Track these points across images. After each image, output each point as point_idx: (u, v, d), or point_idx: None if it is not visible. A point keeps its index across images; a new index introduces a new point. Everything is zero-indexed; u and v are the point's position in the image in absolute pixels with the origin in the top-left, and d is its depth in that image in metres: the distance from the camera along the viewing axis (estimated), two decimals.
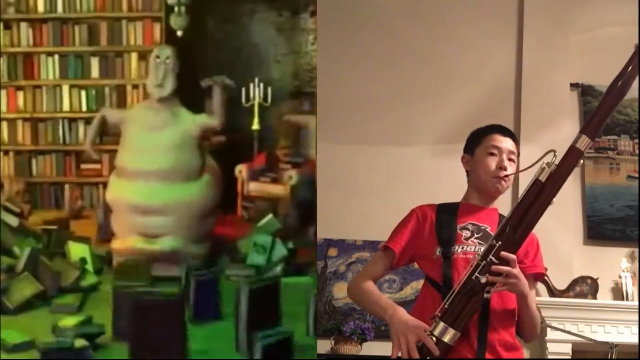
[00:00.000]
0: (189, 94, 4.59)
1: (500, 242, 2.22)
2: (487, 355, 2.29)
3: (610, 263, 5.16)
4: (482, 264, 2.22)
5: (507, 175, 2.46)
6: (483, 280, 2.20)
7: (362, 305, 2.58)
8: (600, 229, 5.32)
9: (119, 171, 4.43)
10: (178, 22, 4.80)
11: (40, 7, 5.81)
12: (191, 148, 4.40)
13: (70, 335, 3.33)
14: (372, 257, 2.62)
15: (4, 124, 5.82)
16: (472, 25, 5.65)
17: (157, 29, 5.83)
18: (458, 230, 2.43)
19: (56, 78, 5.88)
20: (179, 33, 4.86)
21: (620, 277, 5.11)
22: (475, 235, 2.42)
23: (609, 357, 4.30)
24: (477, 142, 2.54)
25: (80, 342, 3.26)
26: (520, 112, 5.45)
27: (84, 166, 5.84)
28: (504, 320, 2.35)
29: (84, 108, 5.87)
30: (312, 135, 5.39)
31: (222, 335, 3.51)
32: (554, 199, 2.24)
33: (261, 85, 5.64)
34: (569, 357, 4.90)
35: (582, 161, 2.26)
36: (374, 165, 5.43)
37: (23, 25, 5.83)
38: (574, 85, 5.58)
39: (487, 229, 2.43)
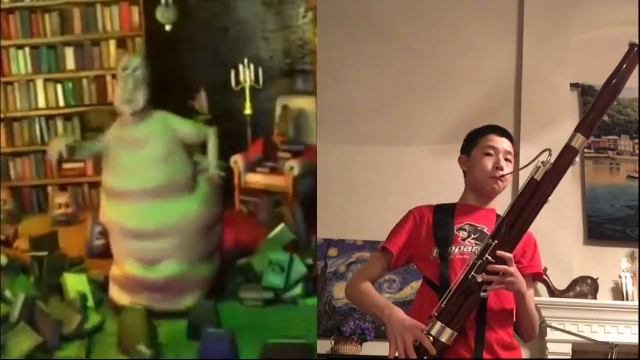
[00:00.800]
0: (175, 86, 4.33)
1: (496, 241, 2.22)
2: (485, 355, 2.28)
3: (610, 263, 5.16)
4: (479, 263, 2.21)
5: (503, 175, 2.46)
6: (479, 279, 2.20)
7: (359, 306, 2.58)
8: (600, 229, 5.32)
9: (108, 192, 3.97)
10: (166, 16, 4.45)
11: None
12: (180, 157, 3.95)
13: None
14: (369, 258, 2.62)
15: None
16: (472, 25, 5.66)
17: (135, 12, 5.29)
18: (455, 231, 2.43)
19: (28, 72, 5.32)
20: (168, 27, 4.49)
21: (620, 277, 5.11)
22: (472, 236, 2.43)
23: (609, 357, 4.29)
24: (473, 142, 2.55)
25: None
26: (520, 112, 5.45)
27: (66, 166, 5.32)
28: (501, 320, 2.35)
29: (61, 103, 5.33)
30: (311, 118, 5.00)
31: None
32: (549, 198, 2.24)
33: (251, 66, 5.14)
34: (569, 357, 4.90)
35: (577, 159, 2.26)
36: (374, 165, 5.43)
37: None
38: (574, 85, 5.58)
39: (484, 230, 2.43)
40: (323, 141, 5.16)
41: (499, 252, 2.21)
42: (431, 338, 2.20)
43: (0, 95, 5.29)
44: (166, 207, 3.84)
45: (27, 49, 5.33)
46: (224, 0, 5.36)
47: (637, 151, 5.43)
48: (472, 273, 2.21)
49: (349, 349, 4.92)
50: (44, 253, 4.16)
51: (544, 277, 4.79)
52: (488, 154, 2.49)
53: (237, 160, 4.99)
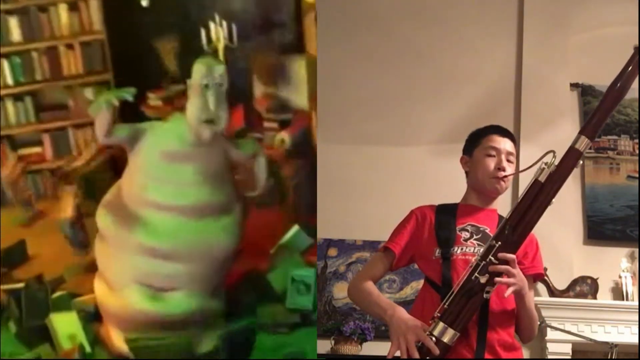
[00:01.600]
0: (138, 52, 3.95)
1: (499, 243, 2.23)
2: (486, 356, 2.29)
3: (610, 263, 5.16)
4: (482, 264, 2.22)
5: (505, 176, 2.47)
6: (482, 280, 2.20)
7: (361, 306, 2.58)
8: (600, 229, 5.32)
9: (127, 198, 3.30)
10: None
11: None
12: (222, 177, 3.38)
13: None
14: (371, 258, 2.62)
15: None
16: (472, 25, 5.66)
17: None
18: (457, 232, 2.44)
19: None
20: (145, 3, 3.99)
21: (620, 277, 5.11)
22: (475, 237, 2.43)
23: (609, 357, 4.29)
24: (475, 143, 2.55)
25: None
26: (520, 112, 5.45)
27: (22, 152, 4.54)
28: (503, 321, 2.36)
29: (10, 81, 4.55)
30: (299, 78, 4.28)
31: None
32: (553, 200, 2.25)
33: (223, 22, 4.38)
34: (569, 357, 4.90)
35: (581, 162, 2.26)
36: (374, 165, 5.43)
37: None
38: (574, 85, 5.59)
39: (487, 230, 2.44)
40: (323, 141, 5.16)
41: (502, 254, 2.21)
42: (433, 338, 2.20)
43: None
44: (196, 227, 3.27)
45: None
46: None
47: (637, 151, 5.43)
48: (476, 274, 2.21)
49: (349, 349, 4.92)
50: (20, 285, 3.33)
51: (544, 277, 4.80)
52: (490, 155, 2.50)
53: None
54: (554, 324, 4.82)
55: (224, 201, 3.33)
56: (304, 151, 3.95)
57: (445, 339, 2.20)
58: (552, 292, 5.01)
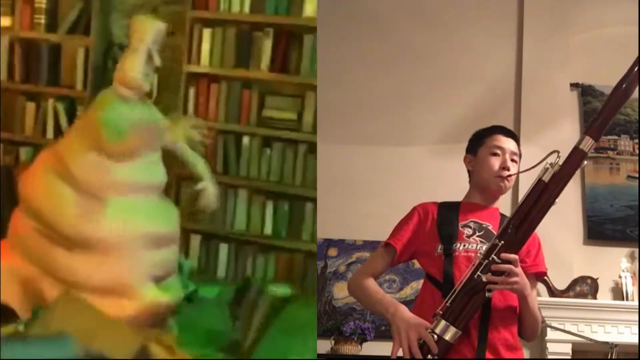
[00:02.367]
0: None
1: (502, 242, 2.23)
2: (488, 354, 2.29)
3: (610, 263, 5.16)
4: (485, 263, 2.22)
5: (510, 175, 2.47)
6: (485, 279, 2.21)
7: (362, 302, 2.58)
8: (600, 229, 5.32)
9: (92, 183, 3.01)
10: None
11: None
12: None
13: None
14: (372, 254, 2.62)
15: None
16: (472, 25, 5.66)
17: None
18: (460, 228, 2.44)
19: None
20: None
21: (620, 277, 5.11)
22: (477, 233, 2.43)
23: (609, 357, 4.29)
24: (480, 142, 2.56)
25: None
26: (520, 112, 5.45)
27: None
28: (505, 319, 2.35)
29: None
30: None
31: None
32: (556, 200, 2.25)
33: None
34: (569, 357, 4.90)
35: (585, 162, 2.26)
36: (374, 165, 5.43)
37: None
38: (574, 85, 5.58)
39: (489, 227, 2.44)
40: (323, 141, 5.16)
41: (505, 255, 2.22)
42: (435, 336, 2.20)
43: None
44: (165, 207, 3.24)
45: None
46: None
47: (637, 151, 5.43)
48: (478, 273, 2.21)
49: (349, 349, 4.92)
50: None
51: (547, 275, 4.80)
52: (495, 154, 2.51)
53: None
54: (554, 324, 4.82)
55: (164, 180, 3.31)
56: None
57: (447, 337, 2.20)
58: (552, 292, 5.01)
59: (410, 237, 2.49)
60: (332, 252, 5.27)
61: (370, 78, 5.58)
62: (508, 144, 2.52)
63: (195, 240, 4.22)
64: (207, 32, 4.27)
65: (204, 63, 4.26)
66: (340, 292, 5.16)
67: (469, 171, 2.59)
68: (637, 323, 4.70)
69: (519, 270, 2.24)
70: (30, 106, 4.40)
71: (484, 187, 2.52)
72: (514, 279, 2.22)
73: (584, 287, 5.06)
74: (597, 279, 5.08)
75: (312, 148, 4.18)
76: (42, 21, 4.35)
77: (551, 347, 4.90)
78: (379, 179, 5.38)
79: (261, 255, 4.18)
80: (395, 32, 5.65)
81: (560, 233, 4.99)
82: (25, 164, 3.93)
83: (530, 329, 2.43)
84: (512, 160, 2.51)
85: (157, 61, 3.16)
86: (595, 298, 5.04)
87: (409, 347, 2.21)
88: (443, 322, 2.21)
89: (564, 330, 4.74)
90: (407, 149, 5.48)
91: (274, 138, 4.24)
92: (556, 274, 4.96)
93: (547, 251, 2.60)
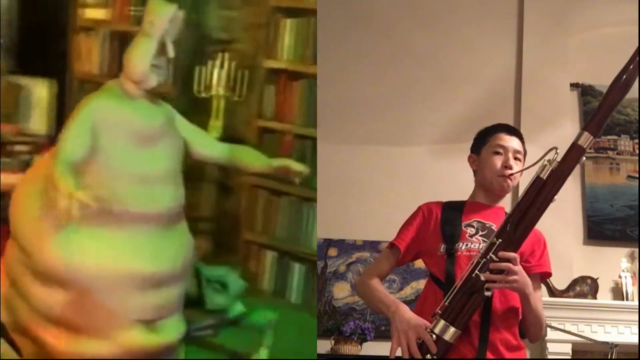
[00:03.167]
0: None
1: (501, 240, 2.22)
2: (488, 355, 2.27)
3: (610, 263, 5.16)
4: (483, 261, 2.21)
5: (512, 174, 2.47)
6: (483, 277, 2.20)
7: (367, 302, 2.58)
8: (600, 229, 5.32)
9: (88, 214, 2.56)
10: None
11: None
12: (178, 173, 2.86)
13: None
14: (379, 255, 2.64)
15: None
16: (472, 25, 5.66)
17: None
18: (463, 228, 2.43)
19: None
20: None
21: (620, 277, 5.11)
22: (480, 233, 2.42)
23: (609, 357, 4.29)
24: (483, 141, 2.56)
25: None
26: (520, 112, 5.45)
27: None
28: (506, 320, 2.34)
29: None
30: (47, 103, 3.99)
31: None
32: (555, 197, 2.24)
33: None
34: (569, 357, 4.90)
35: (584, 158, 2.25)
36: (374, 165, 5.43)
37: None
38: (574, 85, 5.59)
39: (493, 227, 2.43)
40: (323, 141, 5.16)
41: (503, 253, 2.20)
42: (435, 336, 2.19)
43: None
44: (176, 240, 2.79)
45: None
46: None
47: (637, 151, 5.43)
48: (476, 271, 2.20)
49: (349, 349, 4.91)
50: None
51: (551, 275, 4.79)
52: (497, 153, 2.50)
53: None
54: (554, 324, 4.81)
55: (180, 203, 2.85)
56: None
57: (447, 337, 2.19)
58: (552, 292, 5.01)
59: (414, 237, 2.48)
60: (332, 252, 5.27)
61: (370, 78, 5.58)
62: (511, 142, 2.51)
63: (269, 257, 4.03)
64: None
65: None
66: (340, 292, 5.16)
67: (473, 171, 2.59)
68: (637, 323, 4.70)
69: (518, 268, 2.22)
70: None
71: (488, 186, 2.51)
72: (513, 277, 2.21)
73: (584, 287, 5.05)
74: (597, 279, 5.08)
75: None
76: (135, 13, 4.04)
77: (551, 347, 4.90)
78: (379, 179, 5.38)
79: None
80: (395, 32, 5.65)
81: (560, 233, 4.98)
82: None
83: (534, 330, 2.41)
84: (516, 158, 2.50)
85: (171, 52, 2.68)
86: (595, 298, 5.04)
87: (408, 346, 2.20)
88: (442, 322, 2.20)
89: (564, 330, 4.73)
90: (407, 149, 5.48)
91: None
92: (556, 274, 4.86)
93: None
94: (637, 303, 4.91)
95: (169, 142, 2.77)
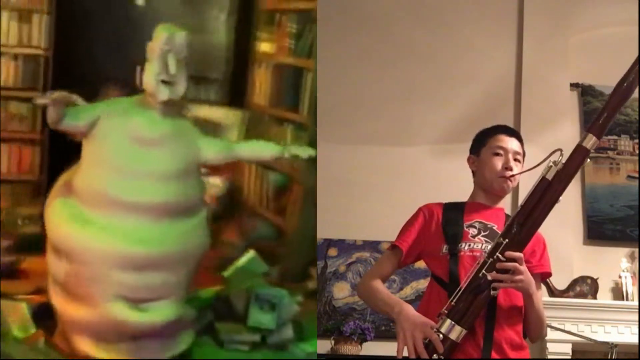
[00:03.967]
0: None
1: (507, 240, 2.23)
2: (493, 354, 2.28)
3: (610, 263, 5.16)
4: (489, 261, 2.22)
5: (513, 175, 2.47)
6: (490, 277, 2.20)
7: (370, 303, 2.58)
8: (600, 229, 5.33)
9: (85, 198, 3.01)
10: None
11: None
12: (194, 178, 3.17)
13: None
14: (381, 257, 2.64)
15: None
16: (472, 25, 5.66)
17: None
18: (465, 228, 2.44)
19: None
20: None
21: (620, 277, 5.11)
22: (482, 233, 2.43)
23: (609, 357, 4.29)
24: (482, 142, 2.56)
25: None
26: (520, 112, 5.45)
27: None
28: (510, 318, 2.35)
29: None
30: (224, 131, 4.54)
31: None
32: (560, 198, 2.25)
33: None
34: (569, 357, 4.90)
35: (588, 160, 2.26)
36: (374, 165, 5.43)
37: None
38: (574, 85, 5.59)
39: (494, 227, 2.44)
40: (323, 141, 5.15)
41: (509, 253, 2.21)
42: (441, 335, 2.20)
43: None
44: (172, 230, 3.05)
45: None
46: None
47: (637, 151, 5.44)
48: (483, 271, 2.21)
49: (349, 349, 4.91)
50: None
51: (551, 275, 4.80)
52: (497, 154, 2.50)
53: None
54: (554, 324, 4.80)
55: (191, 201, 3.14)
56: None
57: (453, 336, 2.20)
58: (552, 292, 5.01)
59: (416, 238, 2.48)
60: (332, 252, 5.27)
61: (370, 78, 5.58)
62: (511, 143, 2.52)
63: None
64: None
65: None
66: (340, 292, 5.16)
67: (473, 172, 2.59)
68: (637, 323, 4.70)
69: (523, 268, 2.23)
70: (274, 130, 4.49)
71: (487, 187, 2.52)
72: (519, 277, 2.22)
73: (584, 287, 5.06)
74: (597, 279, 5.08)
75: None
76: (291, 46, 4.38)
77: (551, 347, 4.90)
78: (379, 179, 5.38)
79: None
80: (396, 31, 5.65)
81: (560, 233, 4.99)
82: None
83: (536, 329, 2.43)
84: (516, 159, 2.50)
85: (173, 69, 3.02)
86: (595, 298, 5.04)
87: (415, 346, 2.21)
88: (448, 322, 2.21)
89: (564, 330, 4.73)
90: (407, 149, 5.48)
91: None
92: (556, 274, 4.85)
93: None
94: (637, 303, 4.92)
95: (173, 147, 3.10)
